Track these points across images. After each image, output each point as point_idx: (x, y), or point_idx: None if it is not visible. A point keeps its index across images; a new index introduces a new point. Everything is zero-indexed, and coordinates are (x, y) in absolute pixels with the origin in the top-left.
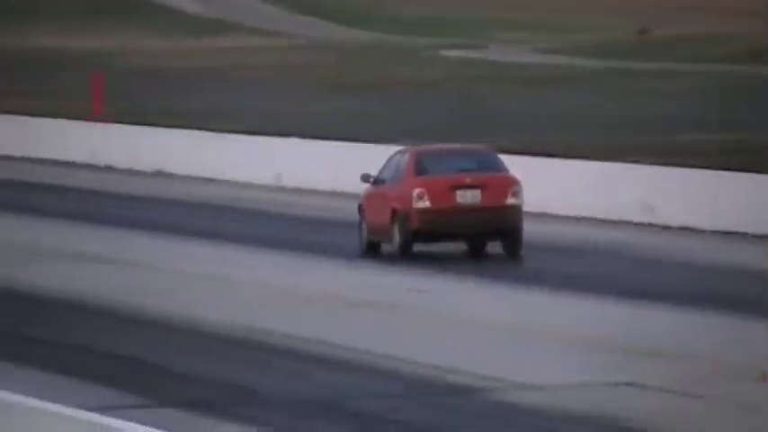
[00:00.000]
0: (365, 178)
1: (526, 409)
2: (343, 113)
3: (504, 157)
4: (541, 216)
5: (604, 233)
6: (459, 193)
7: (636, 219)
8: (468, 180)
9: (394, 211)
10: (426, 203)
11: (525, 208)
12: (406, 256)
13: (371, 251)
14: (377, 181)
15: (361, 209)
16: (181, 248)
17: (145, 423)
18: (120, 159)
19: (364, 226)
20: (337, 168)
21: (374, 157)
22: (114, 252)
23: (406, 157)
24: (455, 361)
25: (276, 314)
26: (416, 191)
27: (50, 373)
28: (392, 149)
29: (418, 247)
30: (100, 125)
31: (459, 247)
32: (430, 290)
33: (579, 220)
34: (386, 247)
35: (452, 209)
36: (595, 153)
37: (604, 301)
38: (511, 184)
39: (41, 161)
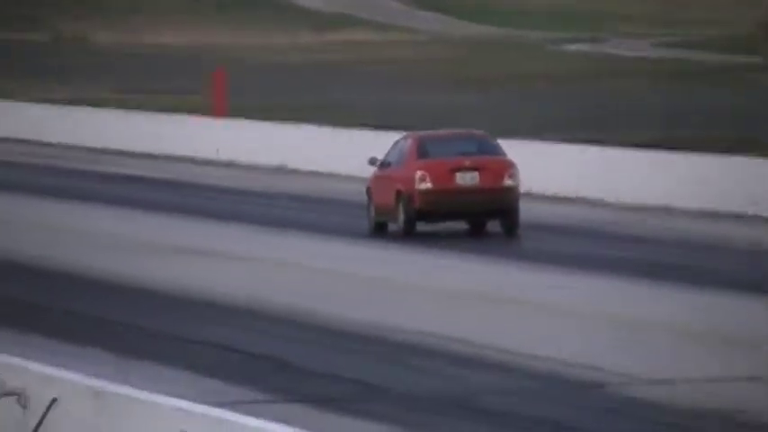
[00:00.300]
0: (372, 161)
1: (654, 404)
2: (465, 108)
3: (633, 152)
4: (667, 210)
5: (739, 228)
6: (458, 175)
7: None
8: (467, 163)
9: (398, 193)
10: (428, 185)
11: (653, 203)
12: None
13: (379, 231)
14: (383, 164)
15: (368, 191)
16: (306, 245)
17: (274, 419)
18: (242, 155)
19: (372, 207)
20: None
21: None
22: (241, 249)
23: (409, 141)
24: (584, 356)
25: (408, 311)
26: (419, 173)
27: (183, 370)
28: (515, 143)
29: (421, 227)
30: (222, 121)
31: (461, 226)
32: (569, 287)
33: (710, 215)
34: (391, 227)
35: (452, 190)
36: (722, 146)
37: (722, 295)
38: (507, 167)
39: (167, 158)
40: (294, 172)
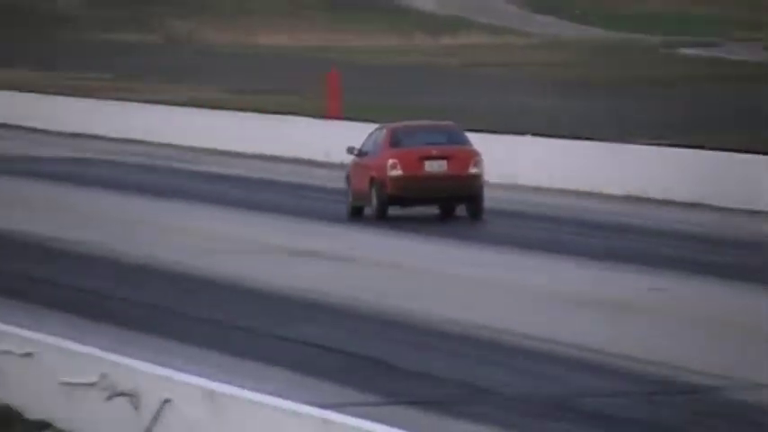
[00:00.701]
0: (350, 150)
1: (756, 408)
2: (580, 111)
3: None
4: None
5: None
6: (427, 163)
7: None
8: (435, 152)
9: (372, 179)
10: (399, 172)
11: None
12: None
13: (356, 215)
14: (360, 153)
15: (347, 178)
16: (420, 247)
17: (379, 421)
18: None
19: (350, 192)
20: (569, 167)
21: (606, 154)
22: (355, 251)
23: (384, 132)
24: (683, 359)
25: (511, 313)
26: (390, 161)
27: (287, 370)
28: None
29: (393, 211)
30: (335, 123)
31: (432, 210)
32: (667, 288)
33: None
34: (367, 211)
35: (421, 177)
36: None
37: None
38: (473, 156)
39: (278, 159)
40: None
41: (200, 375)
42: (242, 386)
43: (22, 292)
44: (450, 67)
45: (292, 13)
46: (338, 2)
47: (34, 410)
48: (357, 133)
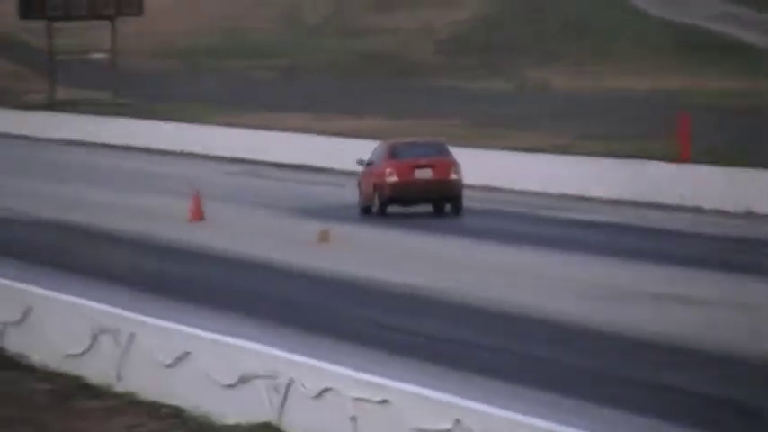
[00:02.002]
0: (360, 162)
1: None
2: None
3: None
4: None
5: None
6: (417, 171)
7: None
8: (423, 162)
9: (374, 185)
10: (394, 178)
11: None
12: None
13: (365, 213)
14: (368, 164)
15: (359, 184)
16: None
17: None
18: (706, 201)
19: (360, 196)
20: None
21: None
22: (714, 295)
23: (384, 147)
24: None
25: None
26: (388, 170)
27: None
28: None
29: (391, 209)
30: (686, 166)
31: (426, 209)
32: None
33: None
34: (373, 211)
35: (412, 182)
36: None
37: None
38: (453, 165)
39: (632, 204)
40: (763, 217)
41: (570, 426)
42: None
43: (373, 337)
44: None
45: (643, 56)
46: (685, 43)
47: None
48: (710, 177)
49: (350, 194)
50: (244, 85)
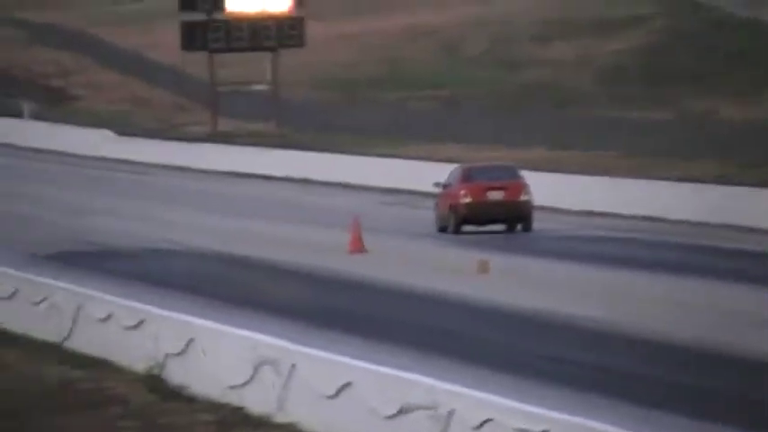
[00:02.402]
0: (437, 185)
1: None
2: None
3: None
4: None
5: None
6: (489, 193)
7: None
8: (495, 184)
9: (450, 205)
10: (469, 199)
11: None
12: None
13: (442, 232)
14: (444, 186)
15: (436, 205)
16: None
17: None
18: None
19: (437, 216)
20: None
21: None
22: None
23: (460, 170)
24: None
25: None
26: (462, 191)
27: None
28: None
29: (466, 228)
30: None
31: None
32: None
33: None
34: (449, 230)
35: (485, 203)
36: None
37: None
38: (524, 187)
39: None
40: None
41: None
42: None
43: (539, 369)
44: None
45: None
46: None
47: None
48: None
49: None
50: (403, 115)
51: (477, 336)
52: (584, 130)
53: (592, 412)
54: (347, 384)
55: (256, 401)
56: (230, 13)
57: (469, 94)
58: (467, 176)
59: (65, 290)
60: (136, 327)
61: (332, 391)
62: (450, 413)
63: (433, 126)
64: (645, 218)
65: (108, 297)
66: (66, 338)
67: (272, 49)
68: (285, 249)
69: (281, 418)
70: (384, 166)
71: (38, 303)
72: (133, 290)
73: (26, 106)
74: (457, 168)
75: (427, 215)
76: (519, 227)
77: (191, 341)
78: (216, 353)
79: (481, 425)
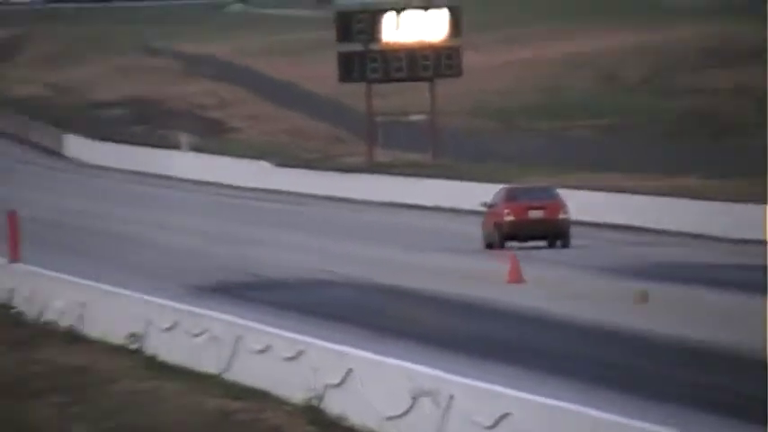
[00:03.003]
0: (483, 204)
1: None
2: None
3: None
4: None
5: None
6: (530, 212)
7: None
8: (536, 204)
9: (495, 223)
10: (511, 218)
11: None
12: None
13: (488, 248)
14: (490, 206)
15: (483, 223)
16: None
17: None
18: None
19: (483, 233)
20: None
21: None
22: None
23: (503, 191)
24: None
25: None
26: (506, 210)
27: None
28: None
29: (509, 244)
30: None
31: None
32: None
33: None
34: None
35: (526, 221)
36: None
37: None
38: (562, 206)
39: None
40: None
41: None
42: None
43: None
44: None
45: None
46: None
47: None
48: None
49: (663, 252)
50: (560, 144)
51: (632, 365)
52: (741, 159)
53: None
54: (506, 415)
55: None
56: (387, 44)
57: (628, 123)
58: (510, 196)
59: (224, 321)
60: (294, 358)
61: (490, 422)
62: None
63: (590, 154)
64: None
65: (267, 328)
66: (225, 370)
67: (429, 79)
68: (442, 279)
69: None
70: None
71: (198, 335)
72: (290, 321)
73: (184, 138)
74: (501, 189)
75: (584, 245)
76: (558, 243)
77: (349, 371)
78: (374, 384)
79: None
